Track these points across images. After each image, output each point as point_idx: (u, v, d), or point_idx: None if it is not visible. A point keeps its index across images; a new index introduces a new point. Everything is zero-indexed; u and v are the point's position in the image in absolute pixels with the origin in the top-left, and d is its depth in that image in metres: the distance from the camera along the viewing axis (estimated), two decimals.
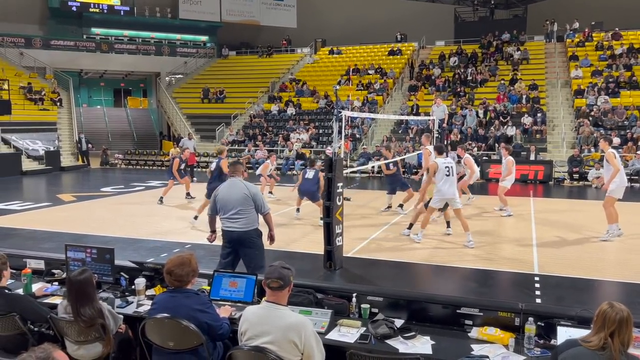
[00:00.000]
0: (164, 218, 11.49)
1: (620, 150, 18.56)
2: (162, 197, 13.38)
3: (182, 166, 13.73)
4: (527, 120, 21.59)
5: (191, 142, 18.79)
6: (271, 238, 5.95)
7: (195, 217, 10.59)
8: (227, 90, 30.00)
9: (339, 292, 4.25)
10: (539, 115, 21.73)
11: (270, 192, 14.44)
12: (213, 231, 6.03)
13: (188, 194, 14.02)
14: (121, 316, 3.86)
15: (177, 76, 34.46)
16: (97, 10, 33.26)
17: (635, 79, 22.75)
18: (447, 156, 9.19)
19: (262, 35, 38.02)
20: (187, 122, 27.92)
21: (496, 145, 20.12)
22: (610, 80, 22.88)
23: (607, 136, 11.96)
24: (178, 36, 36.35)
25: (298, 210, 11.25)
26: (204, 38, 37.21)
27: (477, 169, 12.39)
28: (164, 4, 35.26)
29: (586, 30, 27.88)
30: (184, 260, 3.58)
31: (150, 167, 24.17)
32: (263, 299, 3.48)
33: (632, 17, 28.59)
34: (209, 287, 4.40)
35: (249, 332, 3.26)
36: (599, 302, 2.88)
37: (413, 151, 19.27)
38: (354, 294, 4.10)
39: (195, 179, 17.80)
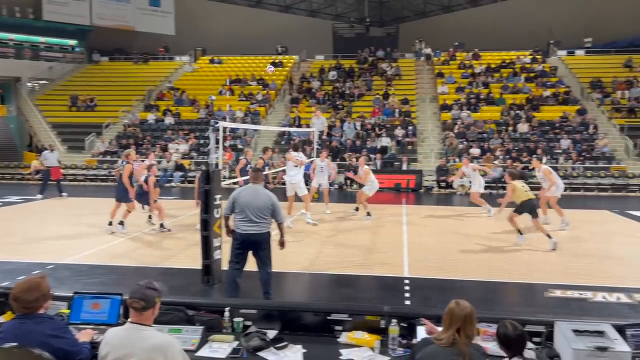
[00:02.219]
0: (23, 236, 10.45)
1: (480, 160, 20.43)
2: (110, 222, 10.94)
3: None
4: (399, 132, 22.96)
5: (54, 155, 17.21)
6: (282, 244, 6.36)
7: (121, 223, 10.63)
8: (98, 97, 28.17)
9: (211, 307, 4.16)
10: (410, 127, 23.24)
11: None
12: (228, 226, 6.36)
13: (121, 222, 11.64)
14: None
15: (40, 82, 31.69)
16: None
17: (492, 96, 25.25)
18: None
19: (138, 41, 36.38)
20: (53, 131, 25.76)
21: (372, 156, 21.13)
22: (472, 96, 25.16)
23: (538, 156, 13.97)
24: (42, 39, 33.42)
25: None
26: (72, 42, 34.64)
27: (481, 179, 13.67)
28: (25, 3, 32.32)
29: (450, 49, 30.42)
30: (32, 285, 3.27)
31: (9, 181, 21.91)
32: (128, 320, 3.30)
33: (489, 40, 31.79)
34: (68, 310, 4.08)
35: (110, 356, 3.06)
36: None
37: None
38: (227, 308, 4.04)
39: (64, 193, 16.47)
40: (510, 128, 22.78)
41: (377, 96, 26.09)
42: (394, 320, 3.67)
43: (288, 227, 10.57)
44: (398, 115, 24.52)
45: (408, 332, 3.75)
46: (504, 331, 2.96)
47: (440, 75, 27.82)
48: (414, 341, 3.63)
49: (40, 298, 3.27)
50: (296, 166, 11.35)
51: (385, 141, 22.21)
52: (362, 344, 3.67)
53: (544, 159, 18.44)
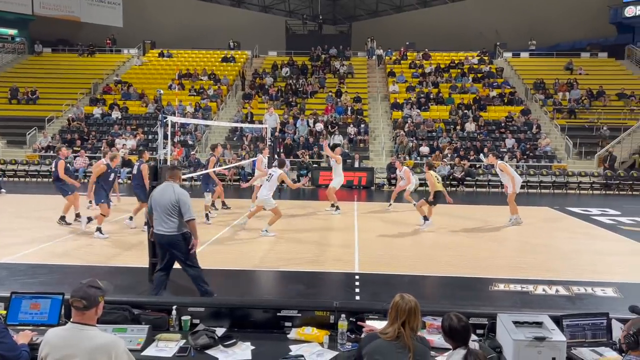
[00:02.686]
0: None
1: (429, 157, 20.91)
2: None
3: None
4: (352, 130, 23.16)
5: None
6: (192, 246, 5.95)
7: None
8: (40, 90, 26.97)
9: (157, 305, 4.09)
10: (362, 126, 23.48)
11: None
12: (151, 226, 6.12)
13: None
14: None
15: None
16: None
17: (441, 95, 25.85)
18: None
19: (83, 32, 35.12)
20: None
21: (322, 153, 21.23)
22: (422, 95, 25.68)
23: (495, 152, 14.35)
24: None
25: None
26: (12, 31, 33.06)
27: (413, 179, 14.14)
28: None
29: (402, 49, 30.94)
30: None
31: None
32: (70, 320, 3.18)
33: (438, 40, 32.57)
34: (5, 312, 3.90)
35: (50, 357, 2.95)
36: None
37: (248, 158, 19.40)
38: (174, 307, 3.97)
39: (3, 190, 15.72)
40: (459, 127, 23.41)
41: (330, 94, 26.22)
42: (343, 315, 3.71)
43: (241, 225, 10.81)
44: (350, 113, 24.73)
45: (356, 326, 3.80)
46: (449, 323, 3.04)
47: (392, 74, 28.25)
48: (363, 336, 3.68)
49: None
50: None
51: (337, 139, 22.35)
52: (311, 339, 3.69)
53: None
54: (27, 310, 3.83)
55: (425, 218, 11.06)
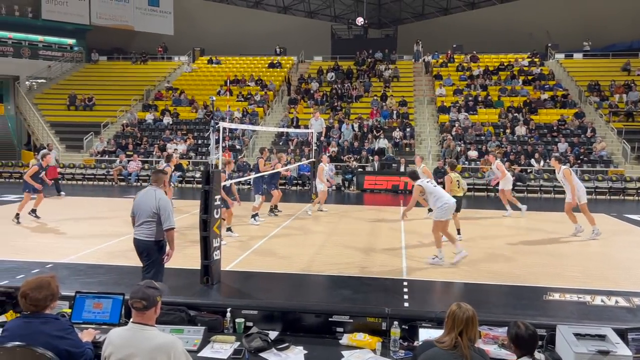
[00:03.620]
0: (23, 235, 10.44)
1: (478, 162, 20.51)
2: (18, 214, 11.84)
3: (42, 174, 12.45)
4: (397, 134, 22.99)
5: (52, 154, 17.22)
6: (167, 255, 5.88)
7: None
8: (96, 97, 28.14)
9: (212, 307, 4.19)
10: (408, 129, 23.27)
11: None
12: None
13: (34, 210, 12.21)
14: None
15: (39, 81, 31.62)
16: None
17: (490, 98, 25.31)
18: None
19: (136, 41, 36.38)
20: (51, 130, 25.72)
21: (370, 157, 21.17)
22: (470, 98, 25.22)
23: (558, 156, 12.89)
24: (41, 38, 33.41)
25: None
26: (71, 41, 34.60)
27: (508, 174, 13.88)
28: (24, 2, 32.27)
29: (448, 52, 30.50)
30: (42, 283, 3.29)
31: (6, 180, 21.85)
32: (130, 320, 3.31)
33: (487, 42, 31.92)
34: (70, 310, 4.09)
35: (113, 356, 3.07)
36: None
37: (294, 162, 19.60)
38: (228, 309, 4.06)
39: (63, 193, 16.48)
40: (508, 131, 22.85)
41: (375, 98, 26.13)
42: (396, 322, 3.69)
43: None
44: (396, 117, 24.57)
45: (409, 334, 3.77)
46: (516, 331, 2.97)
47: (439, 77, 27.87)
48: (416, 344, 3.65)
49: (48, 297, 3.29)
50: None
51: (382, 143, 22.24)
52: (363, 345, 3.69)
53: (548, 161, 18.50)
54: (90, 309, 4.01)
55: (457, 231, 10.09)
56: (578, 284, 7.35)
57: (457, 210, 9.74)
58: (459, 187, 10.12)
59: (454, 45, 31.50)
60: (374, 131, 23.26)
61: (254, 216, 11.85)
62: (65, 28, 33.88)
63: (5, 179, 21.99)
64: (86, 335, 3.67)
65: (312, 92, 27.55)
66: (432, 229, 8.52)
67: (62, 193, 16.45)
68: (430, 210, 13.35)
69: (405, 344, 3.69)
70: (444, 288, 7.30)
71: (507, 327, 3.66)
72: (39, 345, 3.12)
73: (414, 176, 9.06)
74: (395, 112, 24.80)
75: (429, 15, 39.90)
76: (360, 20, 33.65)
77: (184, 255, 8.82)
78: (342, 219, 12.97)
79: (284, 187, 20.07)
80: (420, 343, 3.51)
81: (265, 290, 7.20)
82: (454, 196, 9.55)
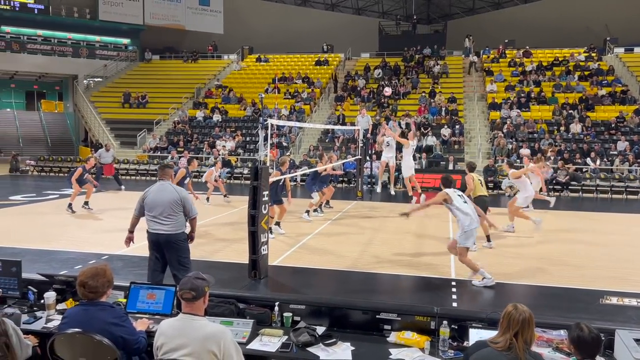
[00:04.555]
0: (79, 228, 10.91)
1: (531, 159, 19.84)
2: (70, 204, 12.79)
3: (85, 176, 13.22)
4: (446, 131, 22.59)
5: (109, 153, 18.03)
6: (191, 239, 5.99)
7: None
8: (149, 95, 29.06)
9: (261, 301, 4.24)
10: (457, 127, 22.82)
11: (225, 196, 15.24)
12: (131, 231, 5.99)
13: (86, 203, 13.15)
14: (29, 343, 3.59)
15: (96, 79, 32.96)
16: (8, 7, 31.19)
17: (543, 95, 24.48)
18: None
19: (187, 40, 37.27)
20: (106, 127, 26.75)
21: (417, 155, 20.89)
22: (522, 95, 24.47)
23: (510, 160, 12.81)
24: (97, 38, 34.81)
25: None
26: (126, 41, 35.88)
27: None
28: (82, 4, 33.69)
29: (500, 47, 29.68)
30: (98, 271, 3.43)
31: (65, 174, 22.82)
32: (180, 311, 3.39)
33: (540, 37, 30.86)
34: (125, 300, 4.24)
35: (165, 346, 3.16)
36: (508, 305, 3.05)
37: (337, 160, 19.58)
38: (276, 303, 4.10)
39: (123, 187, 17.18)
40: (563, 128, 22.03)
41: (423, 94, 25.76)
42: (445, 322, 3.63)
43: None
44: (444, 114, 24.15)
45: (459, 334, 3.70)
46: (578, 333, 2.87)
47: (489, 73, 27.19)
48: (465, 344, 3.58)
49: (105, 284, 3.43)
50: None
51: (430, 140, 21.91)
52: (411, 344, 3.65)
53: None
54: (144, 299, 4.14)
55: (488, 238, 9.38)
56: (636, 288, 7.02)
57: (485, 210, 9.26)
58: (482, 186, 9.89)
59: (506, 41, 30.62)
60: (422, 128, 22.93)
61: (308, 211, 12.05)
62: (121, 28, 35.15)
63: (64, 173, 23.01)
64: (140, 324, 3.80)
65: (358, 89, 27.46)
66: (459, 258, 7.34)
67: (123, 187, 17.13)
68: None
69: (455, 344, 3.62)
70: (494, 289, 7.11)
71: (561, 330, 3.54)
72: (95, 331, 3.26)
73: (447, 182, 7.50)
74: (443, 109, 24.37)
75: (480, 10, 38.93)
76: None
77: (232, 250, 9.00)
78: (389, 217, 12.86)
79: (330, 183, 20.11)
80: (470, 343, 3.44)
81: (311, 285, 7.25)
82: (479, 196, 9.40)
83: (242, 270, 7.42)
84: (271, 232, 9.42)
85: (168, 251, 5.75)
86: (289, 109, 25.47)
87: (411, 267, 8.13)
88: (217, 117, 26.18)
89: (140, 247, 8.98)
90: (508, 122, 22.55)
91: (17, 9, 31.43)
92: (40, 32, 32.65)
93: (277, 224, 10.23)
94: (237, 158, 22.57)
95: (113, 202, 14.66)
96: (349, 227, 11.39)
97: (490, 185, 18.87)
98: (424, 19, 40.34)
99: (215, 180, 15.06)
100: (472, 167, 10.12)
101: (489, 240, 9.47)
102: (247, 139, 23.97)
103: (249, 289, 6.74)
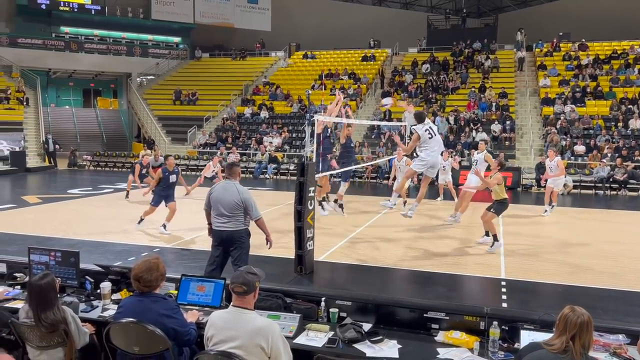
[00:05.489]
0: (132, 221, 11.27)
1: (585, 158, 19.13)
2: (127, 192, 14.23)
3: (144, 171, 14.30)
4: (496, 127, 22.01)
5: (158, 162, 18.44)
6: (268, 242, 6.15)
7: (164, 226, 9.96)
8: (199, 92, 29.72)
9: (307, 296, 4.26)
10: (508, 122, 22.19)
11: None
12: (209, 223, 6.11)
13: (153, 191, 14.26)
14: (87, 331, 3.75)
15: (148, 77, 33.98)
16: (67, 8, 32.57)
17: (600, 89, 23.46)
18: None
19: (236, 37, 37.83)
20: (158, 123, 27.55)
21: (465, 151, 20.49)
22: (577, 89, 23.53)
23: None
24: (150, 37, 35.88)
25: None
26: (177, 39, 36.81)
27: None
28: (136, 4, 34.78)
29: (554, 40, 28.63)
30: (152, 265, 3.54)
31: (120, 169, 23.73)
32: (230, 304, 3.46)
33: (598, 29, 29.53)
34: (176, 292, 4.36)
35: (215, 338, 3.23)
36: (562, 307, 2.95)
37: (383, 156, 19.47)
38: (323, 298, 4.11)
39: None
40: (621, 124, 21.04)
41: (473, 89, 25.19)
42: (495, 322, 3.54)
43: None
44: (495, 109, 23.53)
45: (509, 335, 3.61)
46: None
47: (543, 67, 26.28)
48: (517, 346, 3.49)
49: (158, 278, 3.54)
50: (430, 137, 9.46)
51: (480, 136, 21.40)
52: (460, 344, 3.59)
53: None
54: (195, 291, 4.24)
55: (495, 238, 8.87)
56: None
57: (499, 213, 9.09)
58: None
59: (560, 34, 29.46)
60: (471, 124, 22.45)
61: (339, 205, 12.08)
62: (172, 27, 36.09)
63: (118, 168, 23.89)
64: (191, 316, 3.89)
65: (405, 84, 27.14)
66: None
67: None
68: (550, 207, 12.64)
69: (505, 345, 3.53)
70: (545, 290, 6.90)
71: (620, 335, 3.39)
72: (149, 322, 3.37)
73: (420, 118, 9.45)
74: (494, 104, 23.75)
75: (533, 2, 37.67)
76: None
77: (279, 245, 9.07)
78: (437, 214, 12.67)
79: (375, 180, 20.05)
80: (521, 345, 3.34)
81: (357, 282, 7.23)
82: (502, 199, 8.92)
83: (288, 265, 7.49)
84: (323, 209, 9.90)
85: (229, 248, 5.91)
86: None
87: (459, 265, 7.98)
88: (264, 113, 26.49)
89: (189, 241, 9.26)
90: (562, 117, 21.75)
91: (75, 10, 32.77)
92: (96, 32, 33.97)
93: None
94: (284, 154, 22.77)
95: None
96: (396, 223, 11.28)
97: (543, 183, 18.28)
98: (474, 12, 39.41)
99: (212, 179, 15.15)
100: (502, 165, 9.52)
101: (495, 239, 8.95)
102: (294, 135, 24.14)
103: (295, 284, 6.80)
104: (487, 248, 8.80)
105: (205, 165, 18.02)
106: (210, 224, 6.11)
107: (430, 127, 9.23)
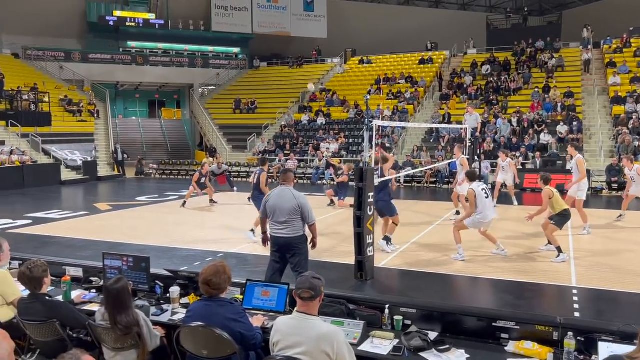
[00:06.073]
0: (197, 227, 11.65)
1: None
2: (185, 202, 14.57)
3: (202, 180, 14.97)
4: (562, 128, 21.10)
5: (221, 169, 18.81)
6: (313, 245, 6.23)
7: (252, 230, 9.89)
8: (258, 100, 30.34)
9: (371, 303, 4.22)
10: (575, 123, 21.22)
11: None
12: (264, 232, 6.22)
13: (211, 200, 15.28)
14: (158, 334, 3.88)
15: (209, 87, 35.05)
16: (133, 24, 34.18)
17: None
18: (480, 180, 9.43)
19: (292, 46, 38.37)
20: (219, 132, 28.33)
21: (530, 154, 19.78)
22: None
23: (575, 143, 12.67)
24: (211, 48, 37.03)
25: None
26: (236, 50, 37.77)
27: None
28: (197, 16, 35.99)
29: (624, 36, 27.16)
30: (219, 269, 3.62)
31: (184, 177, 24.54)
32: (295, 309, 3.48)
33: None
34: (241, 296, 4.43)
35: (281, 343, 3.26)
36: None
37: (443, 160, 19.11)
38: (387, 305, 4.06)
39: (235, 188, 18.05)
40: None
41: (537, 90, 24.29)
42: (570, 333, 3.37)
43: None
44: (560, 110, 22.58)
45: (586, 347, 3.43)
46: None
47: (612, 64, 24.97)
48: (594, 358, 3.31)
49: (226, 281, 3.62)
50: (487, 197, 8.62)
51: (545, 138, 20.60)
52: (532, 355, 3.44)
53: None
54: (259, 296, 4.30)
55: (559, 250, 8.27)
56: None
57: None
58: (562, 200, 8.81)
59: (631, 29, 27.89)
60: (535, 126, 21.63)
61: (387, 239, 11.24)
62: (232, 38, 37.11)
63: (182, 176, 24.73)
64: (256, 320, 3.95)
65: (465, 86, 26.55)
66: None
67: (235, 188, 18.04)
68: (620, 215, 11.87)
69: (582, 357, 3.35)
70: (622, 299, 6.51)
71: None
72: (216, 326, 3.44)
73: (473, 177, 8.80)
74: (559, 104, 22.79)
75: None
76: None
77: (338, 251, 9.09)
78: (502, 218, 12.26)
79: (434, 185, 19.72)
80: (600, 358, 3.17)
81: (420, 289, 7.10)
82: (562, 211, 8.43)
83: (348, 272, 7.47)
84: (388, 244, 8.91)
85: (287, 254, 5.97)
86: (391, 110, 25.27)
87: (526, 273, 7.68)
88: (321, 120, 26.67)
89: (251, 246, 9.43)
90: (634, 117, 20.54)
91: (141, 25, 34.34)
92: (160, 45, 35.42)
93: (387, 238, 9.04)
94: (341, 160, 22.79)
95: (227, 203, 15.49)
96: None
97: (614, 186, 17.35)
98: (536, 10, 38.09)
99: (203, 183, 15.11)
100: (547, 180, 8.72)
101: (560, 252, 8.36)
102: (350, 140, 24.15)
103: (355, 290, 6.76)
104: (552, 259, 8.37)
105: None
106: (265, 232, 6.20)
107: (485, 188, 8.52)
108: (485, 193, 8.34)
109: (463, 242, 8.47)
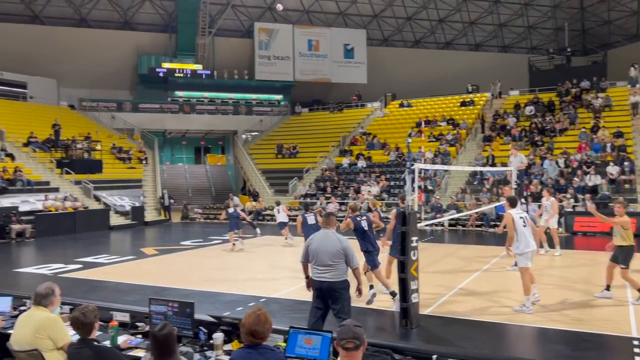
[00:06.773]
0: (239, 271, 11.70)
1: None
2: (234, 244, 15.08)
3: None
4: (613, 169, 20.37)
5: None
6: (359, 292, 6.14)
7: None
8: (299, 145, 30.82)
9: (418, 353, 4.09)
10: (626, 164, 20.47)
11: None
12: (307, 277, 6.11)
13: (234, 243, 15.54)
14: None
15: (253, 133, 35.91)
16: (181, 75, 35.76)
17: None
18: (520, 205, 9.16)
19: (333, 91, 39.12)
20: (262, 176, 28.78)
21: (579, 195, 19.12)
22: None
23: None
24: (254, 96, 38.20)
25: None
26: (279, 97, 38.78)
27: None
28: (242, 66, 37.33)
29: None
30: (260, 318, 3.57)
31: (227, 220, 24.84)
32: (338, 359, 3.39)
33: None
34: (284, 344, 4.38)
35: None
36: None
37: (489, 203, 18.71)
38: (434, 356, 3.93)
39: (258, 230, 18.27)
40: None
41: (584, 130, 23.70)
42: None
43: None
44: (610, 150, 21.87)
45: None
46: None
47: None
48: None
49: (269, 329, 3.59)
50: (524, 226, 8.36)
51: (595, 179, 19.91)
52: None
53: None
54: (302, 344, 4.22)
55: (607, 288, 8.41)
56: None
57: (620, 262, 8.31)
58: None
59: None
60: (584, 167, 20.99)
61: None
62: (274, 86, 38.24)
63: (226, 220, 25.04)
64: None
65: (508, 127, 26.19)
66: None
67: (258, 230, 18.18)
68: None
69: None
70: None
71: None
72: None
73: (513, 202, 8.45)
74: (609, 144, 22.11)
75: None
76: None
77: (378, 297, 8.89)
78: (552, 264, 11.80)
79: (480, 228, 19.22)
80: None
81: (467, 338, 6.83)
82: (627, 245, 8.19)
83: (390, 318, 7.29)
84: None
85: (330, 299, 5.84)
86: (433, 152, 25.12)
87: (581, 321, 7.29)
88: (361, 163, 26.75)
89: (293, 291, 9.37)
90: None
91: (188, 75, 35.90)
92: (206, 94, 36.80)
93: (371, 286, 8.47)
94: (382, 203, 22.64)
95: (265, 247, 15.55)
96: (505, 274, 10.64)
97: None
98: (579, 50, 37.65)
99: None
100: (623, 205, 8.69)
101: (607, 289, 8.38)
102: (391, 183, 24.03)
103: (400, 339, 6.57)
104: (632, 300, 8.17)
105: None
106: (307, 277, 6.09)
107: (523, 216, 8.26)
108: (524, 222, 8.10)
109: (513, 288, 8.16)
